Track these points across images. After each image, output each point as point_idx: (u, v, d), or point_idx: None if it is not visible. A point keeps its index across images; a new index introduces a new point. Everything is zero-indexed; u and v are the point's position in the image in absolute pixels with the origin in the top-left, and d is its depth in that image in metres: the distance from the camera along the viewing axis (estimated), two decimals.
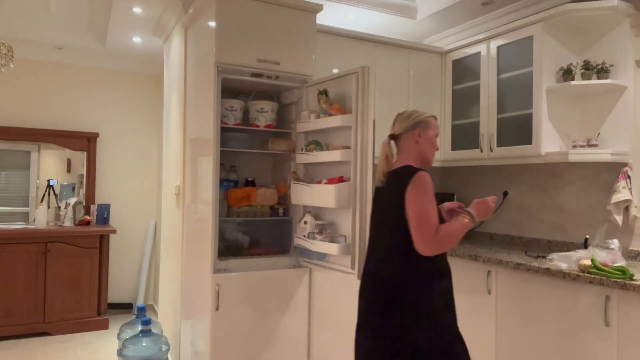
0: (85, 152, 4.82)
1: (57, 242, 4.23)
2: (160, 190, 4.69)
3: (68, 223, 4.50)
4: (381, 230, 1.99)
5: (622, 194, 2.67)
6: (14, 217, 4.61)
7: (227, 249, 2.85)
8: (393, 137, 2.07)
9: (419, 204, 1.83)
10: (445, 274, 1.95)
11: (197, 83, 2.98)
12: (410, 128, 2.02)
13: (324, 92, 2.58)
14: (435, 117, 2.08)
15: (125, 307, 5.00)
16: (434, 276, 1.90)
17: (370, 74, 2.36)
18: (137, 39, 4.27)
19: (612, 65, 2.77)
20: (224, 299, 2.57)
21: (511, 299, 2.66)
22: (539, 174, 3.28)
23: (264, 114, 2.90)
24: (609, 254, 2.38)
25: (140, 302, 4.90)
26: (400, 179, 1.90)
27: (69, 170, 4.85)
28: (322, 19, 3.13)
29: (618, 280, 2.12)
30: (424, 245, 1.81)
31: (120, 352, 3.05)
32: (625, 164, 2.74)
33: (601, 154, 2.70)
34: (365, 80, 2.35)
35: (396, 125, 2.07)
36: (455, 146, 3.57)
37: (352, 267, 2.38)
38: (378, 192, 2.06)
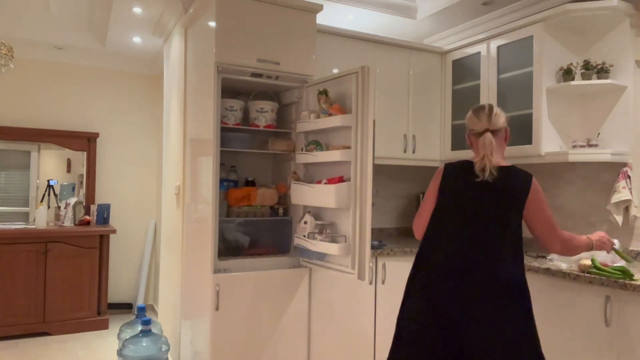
0: (85, 152, 4.81)
1: (57, 242, 4.23)
2: (160, 190, 4.69)
3: (68, 223, 4.50)
4: (488, 226, 1.95)
5: (622, 194, 2.67)
6: (14, 217, 4.61)
7: (227, 249, 2.85)
8: (493, 132, 2.03)
9: (545, 210, 1.97)
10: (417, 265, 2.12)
11: (197, 83, 2.98)
12: (505, 124, 2.08)
13: (324, 92, 2.58)
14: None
15: (125, 307, 5.00)
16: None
17: (370, 74, 2.36)
18: (137, 39, 4.27)
19: (612, 65, 2.77)
20: (224, 299, 2.57)
21: None
22: (539, 174, 3.28)
23: (264, 114, 2.90)
24: (609, 254, 2.38)
25: (140, 302, 4.90)
26: (519, 182, 1.96)
27: (69, 170, 4.85)
28: (322, 19, 3.14)
29: (618, 280, 2.12)
30: (557, 246, 1.99)
31: (120, 352, 3.05)
32: (625, 164, 2.74)
33: (601, 154, 2.70)
34: (365, 80, 2.35)
35: (493, 120, 2.05)
36: (456, 146, 3.57)
37: (352, 267, 2.38)
38: (482, 186, 1.97)
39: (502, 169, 1.98)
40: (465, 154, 3.45)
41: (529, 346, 1.87)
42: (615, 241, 2.25)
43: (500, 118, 2.07)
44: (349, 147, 2.42)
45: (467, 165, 2.05)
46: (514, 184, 1.96)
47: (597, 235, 2.15)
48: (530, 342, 1.88)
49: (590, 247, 2.09)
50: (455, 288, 1.91)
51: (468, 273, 1.91)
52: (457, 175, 2.07)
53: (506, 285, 1.89)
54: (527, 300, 1.93)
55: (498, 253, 1.92)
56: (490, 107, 2.09)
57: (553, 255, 2.53)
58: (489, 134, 2.01)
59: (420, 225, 2.15)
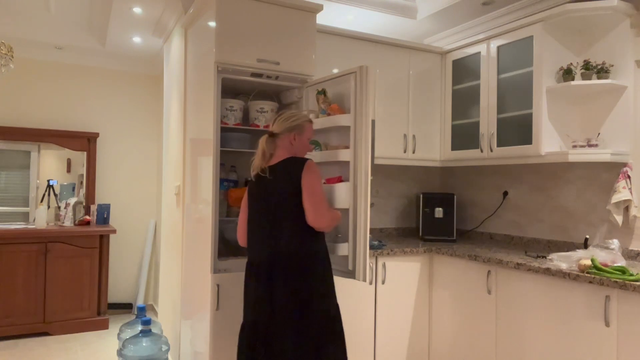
0: (85, 152, 4.82)
1: (57, 242, 4.23)
2: (160, 190, 4.70)
3: (68, 223, 4.50)
4: (278, 214, 2.16)
5: (622, 194, 2.67)
6: (14, 217, 4.61)
7: (227, 249, 2.85)
8: (272, 135, 2.27)
9: (315, 186, 2.14)
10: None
11: (197, 83, 2.98)
12: (288, 130, 2.26)
13: (323, 92, 2.58)
14: (311, 121, 2.34)
15: (125, 307, 5.00)
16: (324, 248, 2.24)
17: (369, 74, 2.36)
18: (137, 39, 4.27)
19: (612, 65, 2.77)
20: (224, 299, 2.57)
21: (511, 299, 2.66)
22: (539, 174, 3.28)
23: (264, 114, 2.90)
24: (609, 254, 2.38)
25: (140, 302, 4.90)
26: (292, 167, 2.17)
27: (69, 170, 4.85)
28: (322, 19, 3.14)
29: (618, 280, 2.12)
30: (321, 221, 2.13)
31: (120, 352, 3.05)
32: (625, 164, 2.74)
33: (601, 154, 2.70)
34: (364, 80, 2.35)
35: (275, 125, 2.28)
36: (455, 146, 3.57)
37: (351, 267, 2.37)
38: (259, 183, 2.25)
39: (276, 165, 2.22)
40: (466, 154, 3.45)
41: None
42: None
43: (282, 124, 2.27)
44: (347, 147, 2.42)
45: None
46: (289, 171, 2.18)
47: None
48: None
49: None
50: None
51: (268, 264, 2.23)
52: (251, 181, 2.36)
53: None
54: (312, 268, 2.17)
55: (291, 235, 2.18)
56: (280, 114, 2.33)
57: (553, 255, 2.53)
58: (265, 137, 2.26)
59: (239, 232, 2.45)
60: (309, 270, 2.13)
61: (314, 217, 2.11)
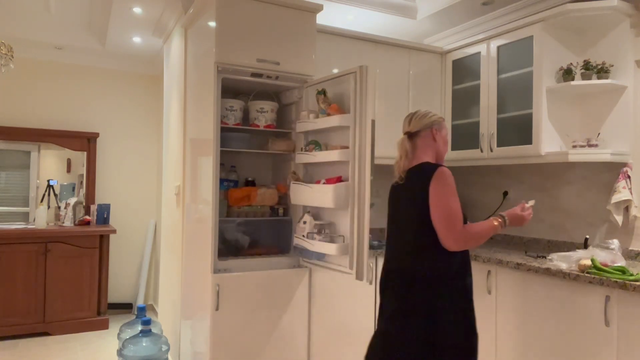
0: (85, 152, 4.82)
1: (57, 242, 4.23)
2: (160, 190, 4.69)
3: (68, 223, 4.50)
4: (405, 227, 2.02)
5: (622, 194, 2.67)
6: (14, 217, 4.61)
7: (227, 249, 2.85)
8: (410, 135, 2.10)
9: (443, 200, 1.89)
10: (466, 271, 2.02)
11: (197, 83, 2.98)
12: (428, 126, 2.10)
13: (323, 92, 2.58)
14: (444, 119, 2.20)
15: (125, 307, 5.00)
16: (457, 273, 1.96)
17: (369, 74, 2.36)
18: (137, 39, 4.27)
19: (612, 65, 2.77)
20: (224, 299, 2.57)
21: (511, 299, 2.66)
22: (539, 174, 3.28)
23: (264, 114, 2.90)
24: (609, 254, 2.38)
25: (140, 302, 4.90)
26: (422, 176, 1.97)
27: (69, 170, 4.85)
28: (322, 19, 3.13)
29: (618, 280, 2.12)
30: (451, 241, 1.89)
31: (120, 352, 3.05)
32: (625, 164, 2.74)
33: (601, 154, 2.70)
34: (364, 80, 2.35)
35: (412, 123, 2.12)
36: (455, 146, 3.57)
37: (351, 267, 2.37)
38: (397, 190, 2.10)
39: (411, 169, 2.06)
40: (466, 154, 3.45)
41: None
42: (530, 202, 2.15)
43: (421, 121, 2.12)
44: (347, 147, 2.42)
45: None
46: (419, 180, 1.99)
47: (511, 210, 2.11)
48: None
49: (502, 225, 2.02)
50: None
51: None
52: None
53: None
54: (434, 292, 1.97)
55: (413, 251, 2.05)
56: (414, 112, 2.17)
57: (553, 255, 2.53)
58: (403, 137, 2.12)
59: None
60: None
61: (444, 235, 1.89)
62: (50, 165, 4.78)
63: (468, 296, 1.99)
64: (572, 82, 2.79)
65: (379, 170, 3.87)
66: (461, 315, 1.94)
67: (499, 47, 3.20)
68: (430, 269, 1.92)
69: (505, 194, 3.50)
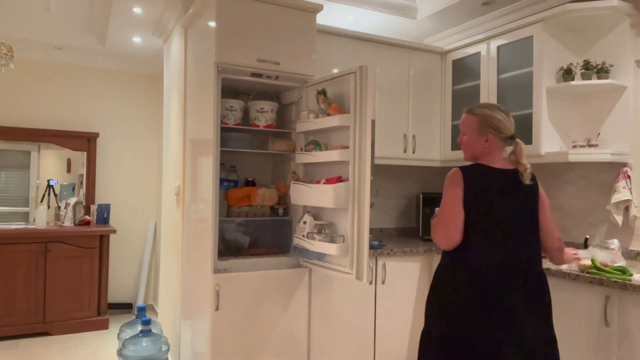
0: (85, 152, 4.82)
1: (57, 242, 4.23)
2: (160, 190, 4.69)
3: (68, 223, 4.50)
4: (528, 229, 1.95)
5: (622, 194, 2.67)
6: (14, 217, 4.61)
7: (227, 249, 2.85)
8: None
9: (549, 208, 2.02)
10: None
11: (197, 83, 2.98)
12: None
13: (323, 92, 2.58)
14: None
15: (125, 307, 5.00)
16: None
17: (369, 74, 2.35)
18: (137, 39, 4.27)
19: (612, 65, 2.77)
20: (224, 299, 2.57)
21: None
22: (539, 174, 3.27)
23: (264, 114, 2.90)
24: (609, 254, 2.38)
25: (140, 302, 4.90)
26: (535, 182, 2.01)
27: (69, 170, 4.85)
28: (322, 19, 3.14)
29: (618, 280, 2.12)
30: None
31: (120, 352, 3.05)
32: (625, 164, 2.74)
33: (601, 154, 2.70)
34: (364, 80, 2.35)
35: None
36: (456, 146, 3.57)
37: (351, 267, 2.37)
38: (523, 189, 1.97)
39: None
40: None
41: None
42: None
43: None
44: (347, 147, 2.42)
45: (488, 169, 1.97)
46: (535, 185, 2.01)
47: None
48: None
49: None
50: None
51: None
52: (484, 181, 1.96)
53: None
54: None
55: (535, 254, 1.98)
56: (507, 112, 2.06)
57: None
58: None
59: (449, 231, 1.94)
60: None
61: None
62: (50, 165, 4.78)
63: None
64: (572, 82, 2.79)
65: (379, 170, 3.87)
66: None
67: (499, 47, 3.20)
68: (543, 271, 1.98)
69: None
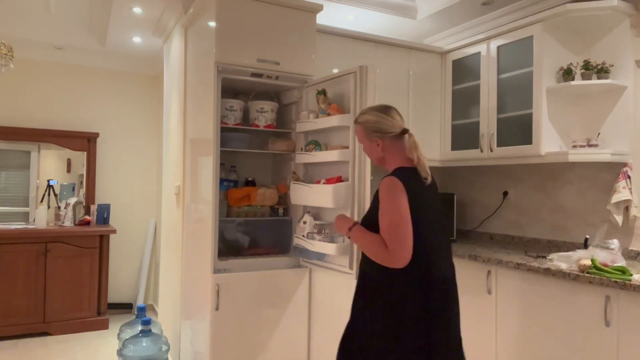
0: (85, 152, 4.82)
1: (57, 242, 4.23)
2: (160, 190, 4.69)
3: (68, 223, 4.50)
4: (442, 232, 1.89)
5: (622, 194, 2.67)
6: (14, 217, 4.61)
7: (227, 249, 2.85)
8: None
9: None
10: None
11: (197, 83, 2.98)
12: None
13: (323, 92, 2.58)
14: None
15: (125, 307, 5.00)
16: None
17: (369, 74, 2.35)
18: (137, 39, 4.27)
19: (612, 65, 2.77)
20: (224, 299, 2.57)
21: (511, 299, 2.66)
22: (539, 174, 3.28)
23: (264, 114, 2.90)
24: (609, 254, 2.38)
25: (140, 302, 4.90)
26: (435, 182, 1.94)
27: (69, 170, 4.85)
28: (322, 19, 3.14)
29: (618, 280, 2.12)
30: None
31: (120, 352, 3.05)
32: (625, 164, 2.74)
33: (601, 154, 2.70)
34: (364, 80, 2.35)
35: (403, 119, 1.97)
36: (455, 146, 3.57)
37: (350, 267, 2.38)
38: (427, 190, 1.88)
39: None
40: (466, 154, 3.45)
41: None
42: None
43: None
44: (347, 147, 2.42)
45: (411, 171, 1.87)
46: (435, 185, 1.97)
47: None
48: None
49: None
50: (456, 294, 1.88)
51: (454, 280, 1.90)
52: (415, 185, 1.84)
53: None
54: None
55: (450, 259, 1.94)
56: (394, 108, 1.97)
57: (553, 255, 2.53)
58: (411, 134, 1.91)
59: (408, 247, 1.74)
60: None
61: None
62: (50, 165, 4.78)
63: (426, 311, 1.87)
64: (572, 82, 2.79)
65: (379, 170, 3.87)
66: None
67: (499, 47, 3.20)
68: None
69: (505, 194, 3.50)
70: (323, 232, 2.57)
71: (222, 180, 2.77)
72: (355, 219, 2.37)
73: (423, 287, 1.76)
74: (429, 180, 1.87)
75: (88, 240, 4.35)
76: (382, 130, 1.90)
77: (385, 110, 1.93)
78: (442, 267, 1.83)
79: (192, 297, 2.97)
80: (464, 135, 3.49)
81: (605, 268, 2.24)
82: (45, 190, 4.66)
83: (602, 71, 2.76)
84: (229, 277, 2.59)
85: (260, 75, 2.71)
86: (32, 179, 4.68)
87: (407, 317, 1.75)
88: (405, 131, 1.91)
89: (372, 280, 1.85)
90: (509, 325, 2.66)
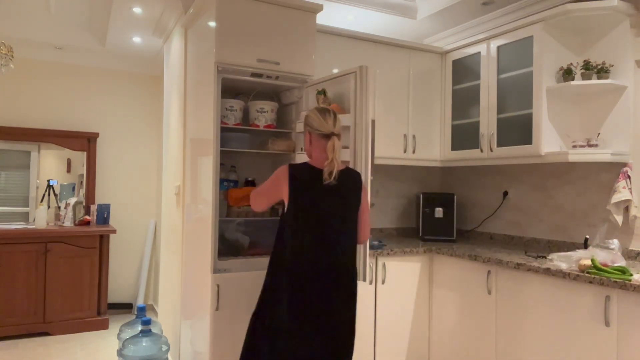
0: (85, 152, 4.82)
1: (57, 242, 4.23)
2: (160, 190, 4.70)
3: (68, 223, 4.50)
4: (342, 224, 2.14)
5: (622, 194, 2.67)
6: (14, 217, 4.61)
7: (227, 249, 2.85)
8: (337, 136, 2.16)
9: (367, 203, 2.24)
10: None
11: (197, 83, 2.98)
12: (341, 130, 2.22)
13: (323, 92, 2.58)
14: None
15: (125, 307, 5.00)
16: None
17: (369, 74, 2.35)
18: (137, 39, 4.27)
19: (612, 65, 2.77)
20: (224, 299, 2.57)
21: (511, 299, 2.66)
22: (539, 174, 3.28)
23: (264, 114, 2.90)
24: (609, 254, 2.38)
25: (140, 302, 4.90)
26: (357, 180, 2.21)
27: (69, 170, 4.85)
28: (322, 19, 3.14)
29: (618, 280, 2.12)
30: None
31: (120, 352, 3.05)
32: (625, 164, 2.74)
33: (601, 154, 2.70)
34: (364, 80, 2.35)
35: (337, 125, 2.18)
36: (455, 146, 3.57)
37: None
38: (323, 189, 2.12)
39: (343, 171, 2.15)
40: (466, 154, 3.45)
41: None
42: None
43: (340, 124, 2.20)
44: (347, 147, 2.42)
45: (312, 170, 2.14)
46: (356, 182, 2.20)
47: None
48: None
49: None
50: (324, 288, 2.09)
51: (333, 272, 2.11)
52: (306, 179, 2.13)
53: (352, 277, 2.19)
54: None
55: (348, 249, 2.17)
56: (335, 113, 2.20)
57: (553, 255, 2.53)
58: (336, 139, 2.13)
59: (261, 204, 2.29)
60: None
61: (366, 233, 2.27)
62: (50, 165, 4.78)
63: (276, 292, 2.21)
64: (572, 82, 2.79)
65: (378, 170, 3.87)
66: None
67: (499, 47, 3.20)
68: (354, 263, 2.23)
69: (505, 194, 3.50)
70: None
71: (222, 180, 2.77)
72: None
73: (285, 263, 2.11)
74: (329, 181, 2.08)
75: (88, 240, 4.35)
76: (312, 125, 2.18)
77: (323, 112, 2.19)
78: (300, 254, 2.10)
79: (192, 297, 2.97)
80: (464, 135, 3.49)
81: (605, 268, 2.24)
82: (45, 190, 4.66)
83: (602, 71, 2.76)
84: (229, 277, 2.59)
85: (260, 75, 2.71)
86: (32, 179, 4.68)
87: (272, 286, 2.18)
88: (330, 135, 2.13)
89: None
90: (509, 325, 2.66)
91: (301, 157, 2.77)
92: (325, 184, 2.09)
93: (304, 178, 2.11)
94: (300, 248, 2.08)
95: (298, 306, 2.05)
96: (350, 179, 2.18)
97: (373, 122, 2.39)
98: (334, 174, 2.07)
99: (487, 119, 3.25)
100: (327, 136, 2.13)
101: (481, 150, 3.29)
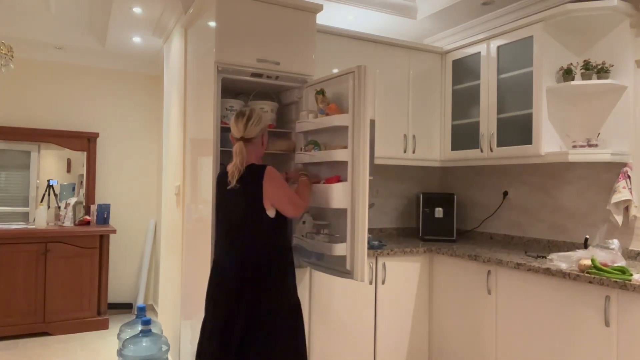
0: (85, 152, 4.82)
1: (57, 242, 4.23)
2: (160, 190, 4.70)
3: (68, 223, 4.50)
4: (242, 219, 2.25)
5: (622, 194, 2.67)
6: (14, 217, 4.61)
7: None
8: (245, 140, 2.28)
9: (280, 190, 2.25)
10: None
11: (197, 83, 2.98)
12: (261, 132, 2.34)
13: (321, 92, 2.58)
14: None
15: (125, 307, 5.00)
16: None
17: (368, 74, 2.35)
18: (137, 39, 4.27)
19: (612, 65, 2.77)
20: None
21: (511, 299, 2.66)
22: (539, 174, 3.28)
23: (264, 114, 2.90)
24: (609, 254, 2.38)
25: (140, 302, 4.90)
26: (257, 172, 2.24)
27: (69, 170, 4.85)
28: (322, 19, 3.14)
29: (618, 280, 2.12)
30: (298, 212, 2.32)
31: (120, 352, 3.05)
32: (625, 164, 2.74)
33: (601, 154, 2.70)
34: (362, 80, 2.34)
35: (248, 130, 2.27)
36: (455, 146, 3.57)
37: (350, 267, 2.37)
38: (228, 191, 2.27)
39: (245, 170, 2.25)
40: (466, 154, 3.45)
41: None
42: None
43: (257, 127, 2.31)
44: (346, 147, 2.42)
45: (226, 173, 2.29)
46: (253, 179, 2.24)
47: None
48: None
49: (308, 182, 2.46)
50: (232, 284, 2.23)
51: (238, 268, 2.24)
52: (220, 182, 2.36)
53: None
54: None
55: (253, 241, 2.26)
56: (248, 117, 2.30)
57: (553, 255, 2.53)
58: (241, 143, 2.26)
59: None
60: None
61: (291, 210, 2.29)
62: (50, 165, 4.78)
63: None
64: (572, 82, 2.79)
65: (379, 170, 3.87)
66: None
67: (499, 47, 3.20)
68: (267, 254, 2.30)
69: (505, 194, 3.50)
70: (322, 232, 2.57)
71: None
72: (354, 219, 2.37)
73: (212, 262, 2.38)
74: (232, 184, 2.23)
75: (88, 240, 4.35)
76: (231, 130, 2.35)
77: (237, 117, 2.32)
78: (218, 250, 2.34)
79: (192, 297, 2.97)
80: (464, 135, 3.49)
81: (605, 268, 2.24)
82: (45, 190, 4.66)
83: (602, 71, 2.76)
84: None
85: (260, 75, 2.71)
86: (32, 179, 4.69)
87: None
88: (240, 139, 2.28)
89: None
90: (509, 325, 2.66)
91: (300, 157, 2.77)
92: (229, 186, 2.24)
93: (220, 182, 2.35)
94: (216, 244, 2.38)
95: (209, 293, 2.34)
96: (250, 174, 2.25)
97: (373, 122, 2.39)
98: (235, 177, 2.21)
99: (487, 119, 3.25)
100: (238, 140, 2.28)
101: (481, 150, 3.29)
